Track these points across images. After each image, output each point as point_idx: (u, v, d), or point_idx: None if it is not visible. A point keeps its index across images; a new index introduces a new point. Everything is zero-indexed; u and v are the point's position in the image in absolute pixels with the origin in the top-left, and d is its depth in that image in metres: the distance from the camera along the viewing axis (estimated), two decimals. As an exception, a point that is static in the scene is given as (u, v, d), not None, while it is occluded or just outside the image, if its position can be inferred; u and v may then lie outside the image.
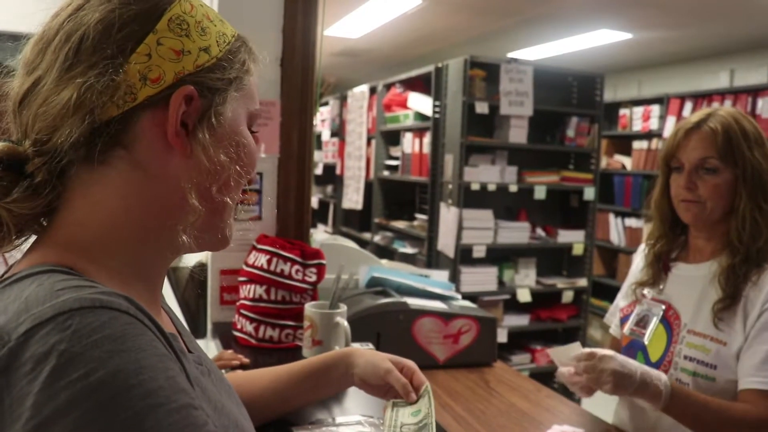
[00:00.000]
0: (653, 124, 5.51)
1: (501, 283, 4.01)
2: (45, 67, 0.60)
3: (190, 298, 1.96)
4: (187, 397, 0.52)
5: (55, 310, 0.50)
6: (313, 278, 1.64)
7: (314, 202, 6.10)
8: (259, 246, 1.68)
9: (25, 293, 0.53)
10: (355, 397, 1.25)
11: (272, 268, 1.61)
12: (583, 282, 4.16)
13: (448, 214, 3.88)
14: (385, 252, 4.62)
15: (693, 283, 1.38)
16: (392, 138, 4.86)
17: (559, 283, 4.15)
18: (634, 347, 1.44)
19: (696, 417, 1.23)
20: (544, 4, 4.42)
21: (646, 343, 1.40)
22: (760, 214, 1.29)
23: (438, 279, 1.97)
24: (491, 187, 3.82)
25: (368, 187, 5.05)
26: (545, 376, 3.18)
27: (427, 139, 4.11)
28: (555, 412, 1.40)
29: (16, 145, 0.60)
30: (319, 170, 6.11)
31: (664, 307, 1.41)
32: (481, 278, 3.90)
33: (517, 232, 3.97)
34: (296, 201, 1.86)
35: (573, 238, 4.09)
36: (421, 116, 4.23)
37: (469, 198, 3.78)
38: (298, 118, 1.83)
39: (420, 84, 4.36)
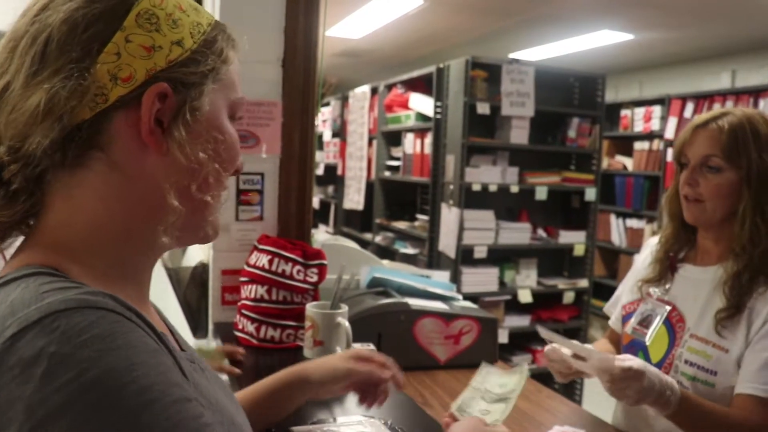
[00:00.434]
0: (654, 124, 5.51)
1: (502, 283, 4.01)
2: (13, 72, 0.58)
3: (192, 298, 1.96)
4: (181, 391, 0.52)
5: (41, 312, 0.49)
6: (315, 278, 1.65)
7: (315, 202, 6.10)
8: (261, 246, 1.68)
9: (10, 297, 0.52)
10: (355, 398, 1.25)
11: (274, 268, 1.62)
12: (584, 283, 4.16)
13: (449, 215, 3.88)
14: (386, 252, 4.63)
15: (700, 286, 1.36)
16: (393, 138, 4.87)
17: (560, 283, 4.15)
18: (635, 346, 1.43)
19: (696, 424, 1.21)
20: (545, 5, 4.41)
21: (647, 343, 1.39)
22: (761, 219, 1.26)
23: (439, 279, 1.97)
24: (492, 188, 3.82)
25: (369, 187, 5.05)
26: (546, 377, 3.18)
27: (428, 139, 4.11)
28: (555, 413, 1.40)
29: None
30: (320, 170, 6.11)
31: (668, 308, 1.39)
32: (482, 279, 3.90)
33: (518, 233, 3.97)
34: (297, 201, 1.87)
35: (574, 239, 4.09)
36: (422, 117, 4.23)
37: (470, 198, 3.78)
38: (299, 118, 1.83)
39: (421, 84, 4.36)
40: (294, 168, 1.85)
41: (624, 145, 5.97)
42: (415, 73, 4.32)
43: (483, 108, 3.78)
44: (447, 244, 3.90)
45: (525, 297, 3.97)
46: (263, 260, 1.63)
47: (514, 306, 4.02)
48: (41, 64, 0.57)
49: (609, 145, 5.95)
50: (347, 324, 1.41)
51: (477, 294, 3.77)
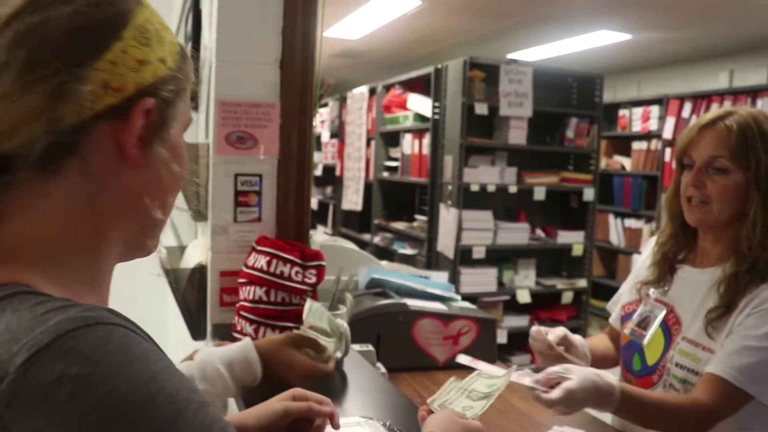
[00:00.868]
0: (653, 124, 5.52)
1: (500, 284, 4.01)
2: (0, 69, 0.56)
3: (190, 299, 1.96)
4: (199, 396, 0.53)
5: (51, 334, 0.48)
6: (313, 280, 1.64)
7: (314, 203, 6.10)
8: (259, 247, 1.68)
9: (2, 322, 0.51)
10: (354, 398, 1.25)
11: (272, 269, 1.61)
12: (582, 283, 4.16)
13: (447, 215, 3.88)
14: (384, 253, 4.63)
15: (697, 288, 1.34)
16: (392, 139, 4.87)
17: (559, 283, 4.15)
18: (632, 348, 1.43)
19: (642, 418, 1.23)
20: (543, 6, 4.42)
21: (644, 345, 1.39)
22: None
23: (438, 280, 1.97)
24: (491, 188, 3.82)
25: (368, 188, 5.05)
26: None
27: (426, 140, 4.11)
28: (555, 413, 1.39)
29: None
30: (318, 171, 6.11)
31: (666, 309, 1.38)
32: (481, 279, 3.91)
33: (516, 233, 3.97)
34: (296, 202, 1.86)
35: (572, 239, 4.09)
36: (420, 117, 4.24)
37: (469, 199, 3.78)
38: (297, 119, 1.83)
39: (419, 85, 4.36)
40: (292, 169, 1.84)
41: (622, 145, 5.98)
42: (414, 74, 4.32)
43: (481, 108, 3.78)
44: (445, 244, 3.90)
45: (523, 297, 3.98)
46: (261, 261, 1.63)
47: (512, 306, 4.02)
48: (34, 64, 0.55)
49: (607, 145, 5.95)
50: (346, 325, 1.41)
51: (475, 294, 3.77)
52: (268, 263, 1.62)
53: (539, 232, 4.13)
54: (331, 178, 5.95)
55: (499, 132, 3.97)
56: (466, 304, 1.81)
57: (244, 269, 1.67)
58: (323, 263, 1.67)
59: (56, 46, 0.56)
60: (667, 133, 5.25)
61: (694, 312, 1.33)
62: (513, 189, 3.89)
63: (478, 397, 1.03)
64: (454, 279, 3.71)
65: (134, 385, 0.48)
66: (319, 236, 5.10)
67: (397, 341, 1.62)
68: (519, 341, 4.11)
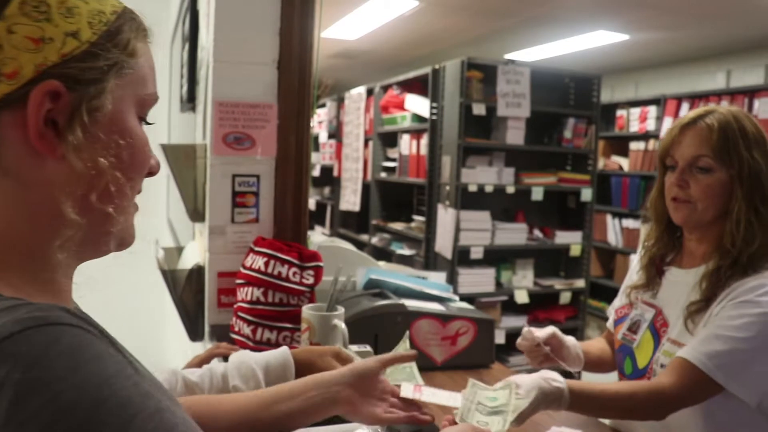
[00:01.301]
0: (650, 125, 5.53)
1: (498, 284, 4.01)
2: None
3: (188, 300, 1.96)
4: (155, 401, 0.50)
5: None
6: (311, 280, 1.64)
7: (311, 203, 6.10)
8: (257, 248, 1.68)
9: None
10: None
11: (270, 270, 1.61)
12: (580, 283, 4.16)
13: (445, 216, 3.88)
14: (382, 254, 4.62)
15: (683, 289, 1.34)
16: (389, 139, 4.87)
17: (557, 284, 4.15)
18: (623, 352, 1.43)
19: (598, 411, 1.24)
20: (541, 6, 4.42)
21: (634, 348, 1.40)
22: (756, 218, 1.24)
23: (436, 280, 1.97)
24: (488, 189, 3.82)
25: (366, 188, 5.05)
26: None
27: (424, 140, 4.12)
28: (553, 414, 1.39)
29: None
30: (316, 172, 6.11)
31: (654, 312, 1.39)
32: (479, 279, 3.91)
33: (514, 234, 3.97)
34: (293, 203, 1.86)
35: (570, 239, 4.10)
36: (418, 118, 4.24)
37: (467, 199, 3.79)
38: (295, 120, 1.83)
39: (417, 85, 4.36)
40: (290, 170, 1.84)
41: (620, 145, 5.98)
42: (411, 74, 4.32)
43: (479, 109, 3.78)
44: (443, 245, 3.90)
45: (521, 298, 3.98)
46: (259, 262, 1.63)
47: (510, 307, 4.02)
48: None
49: (605, 146, 5.96)
50: (344, 326, 1.41)
51: (473, 295, 3.77)
52: (266, 264, 1.62)
53: (537, 233, 4.13)
54: (329, 178, 5.94)
55: (497, 132, 3.97)
56: (464, 305, 1.81)
57: (242, 270, 1.67)
58: (321, 264, 1.66)
59: None
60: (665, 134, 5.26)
61: (678, 313, 1.33)
62: (511, 189, 3.89)
63: (488, 412, 1.03)
64: (452, 279, 3.71)
65: (83, 390, 0.45)
66: (317, 237, 5.07)
67: (395, 342, 1.62)
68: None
